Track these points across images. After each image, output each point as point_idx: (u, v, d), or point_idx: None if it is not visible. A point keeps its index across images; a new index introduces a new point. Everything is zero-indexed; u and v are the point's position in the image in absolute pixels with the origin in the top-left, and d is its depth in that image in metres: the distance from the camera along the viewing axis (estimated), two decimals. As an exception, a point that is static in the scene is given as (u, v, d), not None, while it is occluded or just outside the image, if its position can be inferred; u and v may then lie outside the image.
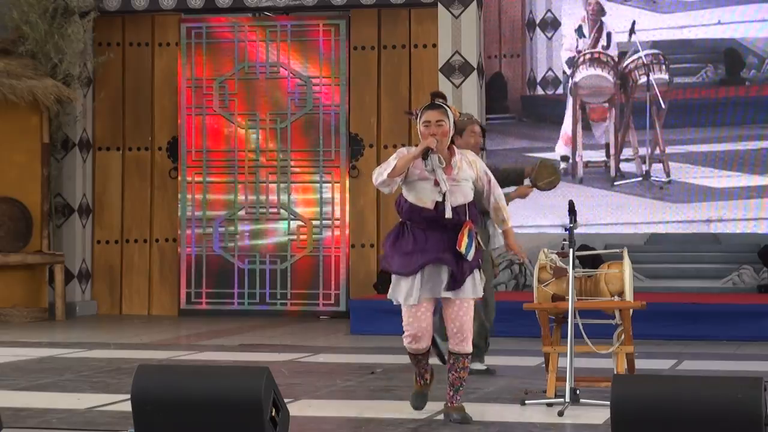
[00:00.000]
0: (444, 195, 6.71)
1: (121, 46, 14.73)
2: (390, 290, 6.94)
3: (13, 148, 13.76)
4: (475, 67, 13.55)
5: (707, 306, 11.83)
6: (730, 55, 13.63)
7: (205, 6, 14.25)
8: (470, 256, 6.75)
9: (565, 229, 7.37)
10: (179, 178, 14.51)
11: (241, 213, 14.40)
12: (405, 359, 9.90)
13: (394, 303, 6.98)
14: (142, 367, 5.15)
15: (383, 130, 14.13)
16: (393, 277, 6.90)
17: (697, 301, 12.08)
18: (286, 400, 5.65)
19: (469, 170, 6.86)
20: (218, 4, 14.23)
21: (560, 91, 14.24)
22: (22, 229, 13.75)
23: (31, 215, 13.76)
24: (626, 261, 7.63)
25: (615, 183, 14.02)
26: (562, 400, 7.17)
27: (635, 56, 14.07)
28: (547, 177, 9.15)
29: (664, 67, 14.08)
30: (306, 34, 14.35)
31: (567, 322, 7.31)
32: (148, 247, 14.63)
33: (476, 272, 6.86)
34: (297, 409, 7.16)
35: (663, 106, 13.93)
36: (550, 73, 14.21)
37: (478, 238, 6.85)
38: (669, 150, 13.94)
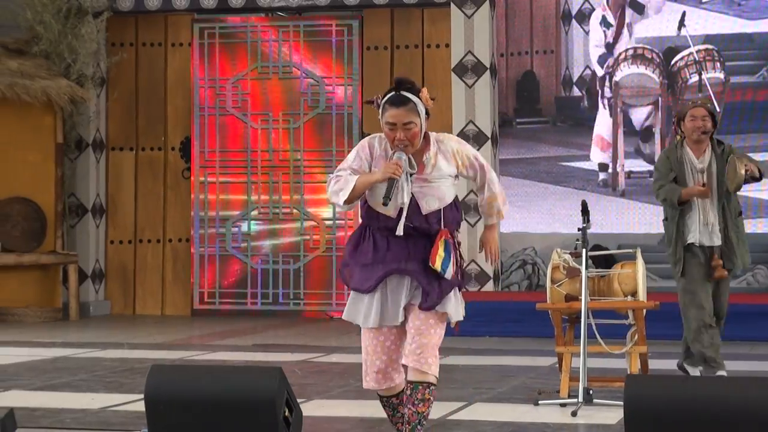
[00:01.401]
0: (408, 203, 5.33)
1: (134, 46, 14.75)
2: (346, 309, 5.51)
3: (27, 148, 13.79)
4: (488, 66, 13.54)
5: (721, 306, 11.76)
6: None
7: (218, 6, 14.26)
8: (448, 274, 5.39)
9: (578, 229, 7.35)
10: (192, 178, 14.53)
11: (254, 213, 14.41)
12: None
13: (354, 324, 5.55)
14: (156, 367, 5.15)
15: (396, 130, 14.12)
16: (351, 293, 5.50)
17: (710, 301, 12.01)
18: (299, 400, 5.65)
19: (447, 165, 5.41)
20: (231, 4, 14.25)
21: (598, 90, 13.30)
22: (36, 229, 13.78)
23: (45, 215, 13.80)
24: (639, 261, 7.61)
25: None
26: (575, 400, 7.16)
27: (685, 52, 12.90)
28: (734, 179, 7.98)
29: (718, 64, 12.83)
30: (319, 34, 14.36)
31: (580, 322, 7.30)
32: (161, 247, 14.65)
33: (456, 291, 5.50)
34: (310, 409, 7.16)
35: (718, 108, 12.67)
36: (587, 71, 13.34)
37: (460, 250, 5.58)
38: None
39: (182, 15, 14.64)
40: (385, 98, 5.32)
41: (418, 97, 5.33)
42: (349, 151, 15.12)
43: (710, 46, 12.97)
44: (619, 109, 13.25)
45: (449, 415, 7.16)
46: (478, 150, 13.45)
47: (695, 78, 12.93)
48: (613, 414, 6.96)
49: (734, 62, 12.72)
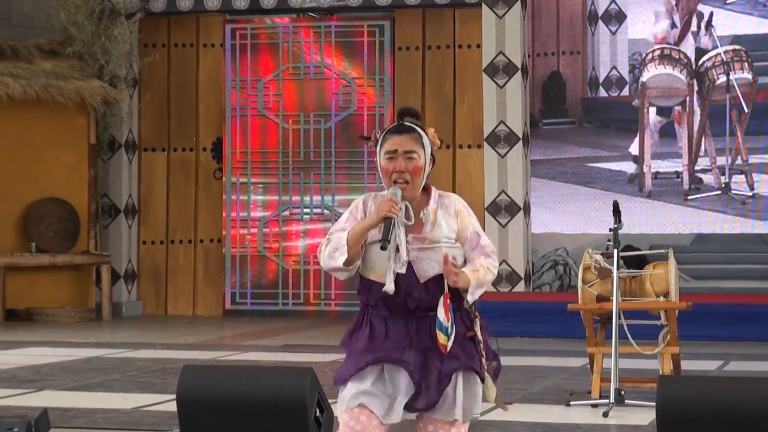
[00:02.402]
0: (406, 266, 4.31)
1: (166, 47, 14.81)
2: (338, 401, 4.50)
3: (60, 149, 13.87)
4: (520, 67, 13.51)
5: (754, 307, 11.72)
6: None
7: (250, 7, 14.30)
8: (450, 343, 4.29)
9: (610, 230, 7.33)
10: (224, 178, 14.57)
11: (285, 213, 14.44)
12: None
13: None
14: (187, 367, 5.17)
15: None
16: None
17: (743, 302, 11.97)
18: (330, 401, 5.65)
19: (449, 224, 4.33)
20: (263, 5, 14.28)
21: (626, 92, 13.16)
22: (69, 229, 13.85)
23: (78, 216, 13.86)
24: (671, 261, 7.58)
25: (689, 197, 12.77)
26: (607, 401, 7.14)
27: (713, 52, 12.81)
28: None
29: (746, 64, 12.73)
30: (350, 35, 14.37)
31: (612, 323, 7.28)
32: (193, 247, 14.70)
33: (472, 379, 4.39)
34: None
35: (746, 109, 12.67)
36: (614, 72, 13.26)
37: (478, 318, 4.45)
38: (752, 159, 12.60)
39: (214, 16, 14.68)
40: (386, 130, 4.40)
41: (425, 131, 4.39)
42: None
43: (738, 47, 12.85)
44: (646, 110, 13.17)
45: (481, 415, 7.15)
46: (509, 150, 13.58)
47: (723, 78, 12.84)
48: (644, 415, 6.93)
49: (763, 63, 12.64)
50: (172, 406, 5.64)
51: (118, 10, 14.27)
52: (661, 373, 7.48)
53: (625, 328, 7.35)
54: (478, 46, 13.78)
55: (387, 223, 4.26)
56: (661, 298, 7.54)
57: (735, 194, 12.79)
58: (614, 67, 13.40)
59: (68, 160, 13.92)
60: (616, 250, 7.28)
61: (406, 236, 4.31)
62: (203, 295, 14.65)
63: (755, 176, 12.76)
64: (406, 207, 4.31)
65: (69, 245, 13.84)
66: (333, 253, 4.37)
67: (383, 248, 4.23)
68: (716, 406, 4.90)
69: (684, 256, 12.05)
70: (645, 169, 13.15)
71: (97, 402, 7.63)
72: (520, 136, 13.53)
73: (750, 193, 12.76)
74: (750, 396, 5.00)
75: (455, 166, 13.99)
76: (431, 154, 4.40)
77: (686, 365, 8.16)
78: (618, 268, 7.31)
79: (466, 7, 13.88)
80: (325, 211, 14.35)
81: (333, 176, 14.32)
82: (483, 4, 13.62)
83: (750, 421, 4.91)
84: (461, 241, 4.34)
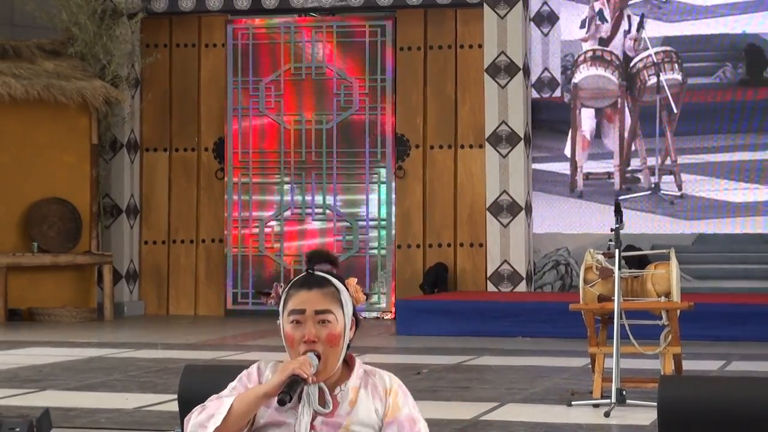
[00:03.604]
0: None
1: (168, 47, 14.82)
2: None
3: (62, 149, 13.88)
4: (521, 67, 13.52)
5: (756, 307, 11.73)
6: (751, 52, 12.42)
7: (252, 7, 14.30)
8: None
9: (611, 230, 7.33)
10: (225, 178, 14.58)
11: (287, 214, 14.45)
12: (451, 360, 9.93)
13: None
14: (189, 367, 5.17)
15: (429, 131, 14.12)
16: None
17: (745, 302, 11.98)
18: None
19: (372, 410, 3.27)
20: (264, 5, 14.29)
21: (557, 93, 13.37)
22: (71, 229, 13.86)
23: (80, 216, 13.87)
24: (673, 261, 7.58)
25: (620, 197, 12.67)
26: (608, 401, 7.15)
27: (644, 54, 13.01)
28: None
29: (676, 66, 12.91)
30: (352, 35, 14.37)
31: (613, 323, 7.28)
32: (195, 247, 14.71)
33: None
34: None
35: (675, 110, 12.87)
36: (546, 73, 13.48)
37: None
38: (681, 160, 12.84)
39: (216, 16, 14.69)
40: (291, 283, 3.30)
41: (344, 284, 3.31)
42: (382, 152, 15.20)
43: (669, 48, 13.00)
44: (578, 111, 13.32)
45: (482, 415, 7.16)
46: (510, 150, 13.58)
47: (653, 80, 12.97)
48: (646, 415, 6.93)
49: (692, 63, 12.79)
50: (174, 406, 5.65)
51: (120, 10, 14.28)
52: (662, 373, 7.47)
53: (627, 328, 7.36)
54: (480, 46, 13.79)
55: (292, 381, 3.14)
56: (663, 298, 7.54)
57: (664, 194, 12.94)
58: (546, 69, 13.53)
59: (70, 160, 13.93)
60: (617, 250, 7.28)
61: (313, 419, 3.20)
62: (205, 295, 14.65)
63: (684, 177, 12.90)
64: (320, 388, 3.22)
65: (71, 245, 13.85)
66: (205, 422, 3.19)
67: (281, 402, 3.12)
68: (718, 406, 4.90)
69: (685, 256, 12.07)
70: (577, 170, 13.35)
71: (98, 402, 7.64)
72: (522, 136, 13.54)
73: (678, 194, 12.90)
74: (752, 396, 5.00)
75: (457, 166, 13.99)
76: (353, 314, 3.28)
77: (688, 365, 8.16)
78: (620, 268, 7.31)
79: (467, 7, 13.88)
80: (327, 211, 14.35)
81: (334, 176, 14.32)
82: (484, 4, 13.62)
83: (752, 421, 4.92)
84: (390, 423, 3.24)
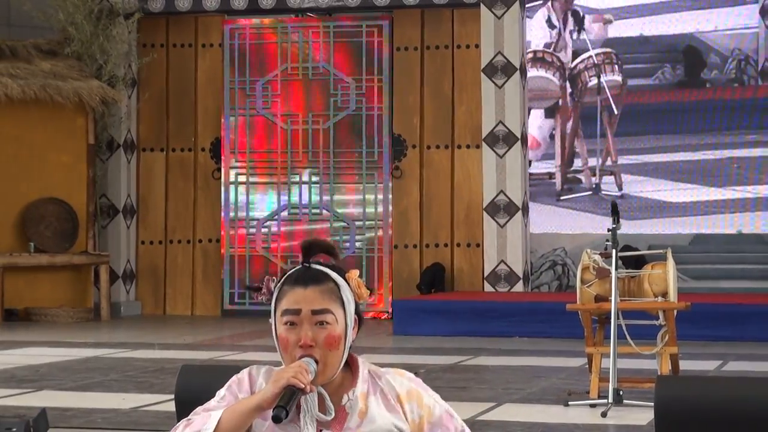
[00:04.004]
0: None
1: (164, 47, 14.81)
2: None
3: (59, 149, 13.87)
4: (518, 67, 13.52)
5: (753, 307, 11.73)
6: (689, 54, 12.48)
7: (248, 7, 14.30)
8: None
9: (608, 230, 7.33)
10: (222, 178, 14.57)
11: (284, 214, 14.44)
12: (448, 360, 9.92)
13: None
14: (186, 367, 5.17)
15: (426, 131, 14.12)
16: None
17: (742, 302, 11.99)
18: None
19: (387, 415, 2.91)
20: (261, 5, 14.28)
21: None
22: (68, 229, 13.85)
23: (77, 216, 13.87)
24: (670, 261, 7.58)
25: (561, 197, 13.13)
26: (605, 401, 7.15)
27: (585, 55, 13.20)
28: None
29: (617, 67, 13.06)
30: (349, 35, 14.37)
31: (610, 323, 7.28)
32: (192, 247, 14.70)
33: None
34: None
35: (616, 111, 12.99)
36: None
37: None
38: (622, 161, 13.02)
39: (212, 16, 14.68)
40: (284, 277, 2.97)
41: (344, 278, 2.96)
42: (379, 152, 15.17)
43: (609, 50, 13.14)
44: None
45: (479, 415, 7.16)
46: (507, 150, 13.59)
47: (594, 81, 13.13)
48: (643, 415, 6.93)
49: (632, 65, 12.92)
50: (171, 406, 5.64)
51: (116, 10, 14.28)
52: (659, 373, 7.48)
53: (624, 328, 7.36)
54: (477, 46, 13.79)
55: (288, 392, 2.80)
56: (660, 298, 7.54)
57: (605, 195, 13.05)
58: None
59: (67, 160, 13.92)
60: (614, 250, 7.28)
61: (318, 430, 2.88)
62: (202, 295, 14.65)
63: (624, 177, 13.03)
64: (319, 393, 2.88)
65: (67, 245, 13.84)
66: None
67: (276, 419, 2.77)
68: (715, 406, 4.90)
69: (683, 256, 12.09)
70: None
71: (95, 402, 7.63)
72: (519, 136, 13.54)
73: (619, 194, 13.01)
74: (748, 396, 5.00)
75: (454, 167, 13.99)
76: (355, 313, 2.95)
77: (685, 365, 8.16)
78: (616, 268, 7.31)
79: (464, 8, 13.88)
80: (324, 211, 14.35)
81: (331, 176, 14.32)
82: (481, 5, 13.62)
83: (748, 420, 4.92)
84: (418, 426, 2.90)
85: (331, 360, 2.88)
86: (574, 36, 13.19)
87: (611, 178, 13.09)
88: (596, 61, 13.08)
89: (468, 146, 13.93)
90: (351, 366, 2.96)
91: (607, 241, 7.35)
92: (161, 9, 14.54)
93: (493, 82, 13.57)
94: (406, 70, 14.15)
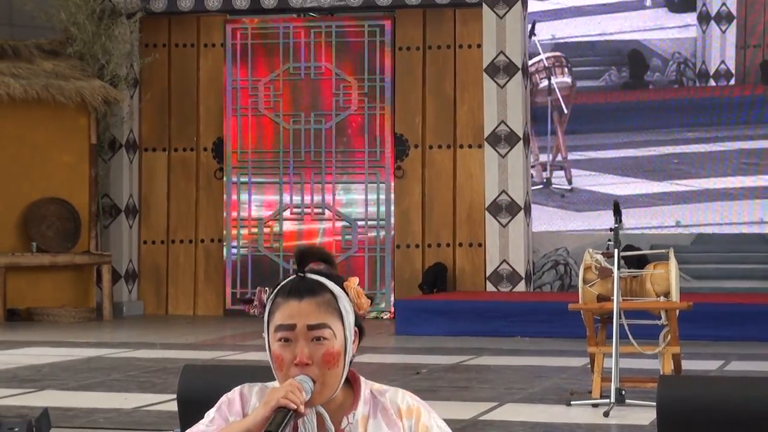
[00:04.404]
0: None
1: (167, 47, 14.81)
2: None
3: (61, 149, 13.87)
4: (520, 67, 13.52)
5: (755, 306, 11.73)
6: (634, 58, 13.00)
7: (251, 7, 14.30)
8: None
9: (610, 230, 7.33)
10: (224, 178, 14.58)
11: (286, 213, 14.44)
12: (450, 360, 9.92)
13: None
14: (188, 367, 5.17)
15: (428, 131, 14.12)
16: None
17: (744, 302, 11.98)
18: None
19: None
20: (263, 5, 14.28)
21: None
22: (70, 229, 13.86)
23: (79, 216, 13.87)
24: (672, 261, 7.58)
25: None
26: (607, 400, 7.14)
27: (536, 58, 13.84)
28: None
29: (566, 69, 13.79)
30: (351, 35, 14.37)
31: (612, 323, 7.28)
32: (194, 247, 14.70)
33: None
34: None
35: (565, 111, 13.68)
36: None
37: None
38: (571, 157, 13.69)
39: (214, 16, 14.68)
40: (277, 288, 2.75)
41: (342, 287, 2.74)
42: (381, 152, 15.18)
43: (559, 53, 13.83)
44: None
45: (481, 415, 7.16)
46: (509, 150, 13.58)
47: (545, 82, 13.82)
48: (645, 415, 6.93)
49: (581, 68, 13.69)
50: (173, 406, 5.65)
51: (118, 10, 14.28)
52: (661, 373, 7.47)
53: (626, 327, 7.35)
54: (479, 46, 13.79)
55: (279, 414, 2.58)
56: (662, 298, 7.54)
57: (555, 188, 13.76)
58: None
59: (69, 160, 13.92)
60: (616, 250, 7.28)
61: None
62: (204, 295, 14.65)
63: (573, 172, 13.75)
64: (318, 413, 2.69)
65: (70, 245, 13.84)
66: None
67: None
68: (717, 406, 4.90)
69: (685, 256, 12.10)
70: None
71: (97, 402, 7.63)
72: (521, 135, 13.54)
73: (569, 188, 13.74)
74: (751, 396, 5.00)
75: (456, 166, 13.99)
76: (355, 324, 2.73)
77: (687, 365, 8.16)
78: (619, 268, 7.31)
79: (466, 7, 13.88)
80: (326, 211, 14.35)
81: (333, 176, 14.32)
82: (483, 4, 13.62)
83: (751, 420, 4.91)
84: None
85: (329, 379, 2.66)
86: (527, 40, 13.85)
87: (561, 173, 13.79)
88: (547, 65, 13.78)
89: (470, 146, 13.93)
90: (352, 383, 2.74)
91: (609, 240, 7.36)
92: (163, 9, 14.54)
93: (495, 81, 13.57)
94: (408, 69, 14.15)
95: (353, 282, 2.74)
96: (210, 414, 2.76)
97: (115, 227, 14.55)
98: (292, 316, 2.67)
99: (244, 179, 14.54)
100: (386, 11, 14.23)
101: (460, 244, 13.93)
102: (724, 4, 12.37)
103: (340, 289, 2.71)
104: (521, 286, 13.40)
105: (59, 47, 14.22)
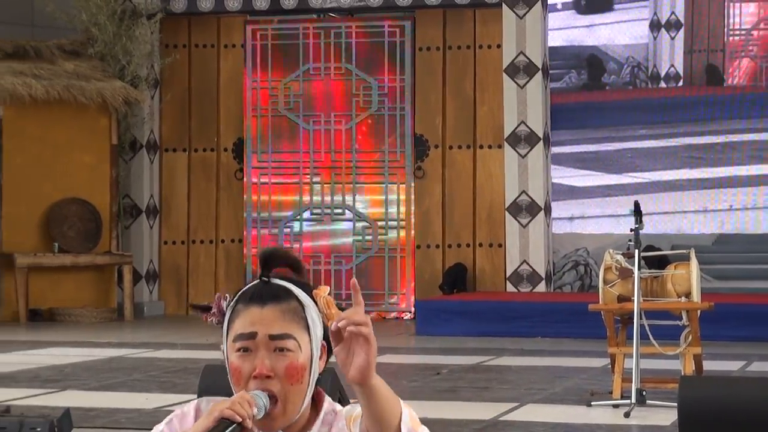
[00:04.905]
0: None
1: (187, 47, 14.84)
2: None
3: (82, 150, 13.92)
4: (540, 67, 13.50)
5: (776, 307, 11.68)
6: (592, 62, 13.92)
7: (271, 8, 14.32)
8: None
9: (630, 230, 7.32)
10: (244, 179, 14.60)
11: (306, 214, 14.46)
12: (470, 360, 9.92)
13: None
14: (209, 367, 5.18)
15: (448, 131, 14.12)
16: None
17: (766, 302, 11.94)
18: (352, 401, 5.66)
19: None
20: (283, 5, 14.30)
21: None
22: (91, 230, 13.90)
23: (100, 216, 13.91)
24: (693, 261, 7.56)
25: None
26: (628, 401, 7.13)
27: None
28: None
29: None
30: (371, 35, 14.38)
31: (633, 323, 7.27)
32: (214, 247, 14.73)
33: None
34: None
35: None
36: None
37: None
38: None
39: (235, 16, 14.71)
40: (238, 294, 2.54)
41: (311, 295, 2.49)
42: (401, 152, 15.19)
43: None
44: None
45: (501, 415, 7.15)
46: (529, 150, 13.57)
47: None
48: (666, 415, 6.92)
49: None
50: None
51: (139, 10, 14.32)
52: (682, 374, 7.46)
53: (647, 328, 7.34)
54: (499, 46, 13.78)
55: (221, 426, 2.37)
56: (683, 299, 7.52)
57: None
58: None
59: (90, 160, 13.97)
60: (637, 251, 7.27)
61: None
62: (224, 295, 14.65)
63: None
64: None
65: (91, 245, 13.89)
66: None
67: None
68: (738, 406, 4.88)
69: (706, 257, 12.06)
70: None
71: (119, 402, 7.66)
72: (541, 136, 13.52)
73: None
74: (772, 396, 4.98)
75: (476, 167, 13.99)
76: (323, 338, 2.47)
77: (708, 366, 8.13)
78: (639, 269, 7.30)
79: (486, 7, 13.87)
80: (347, 212, 14.36)
81: (353, 176, 14.33)
82: (503, 4, 13.61)
83: (772, 421, 4.90)
84: None
85: (292, 396, 2.40)
86: None
87: None
88: None
89: (490, 146, 13.92)
90: (316, 402, 2.49)
91: (630, 241, 7.34)
92: (183, 9, 14.58)
93: (515, 82, 13.55)
94: (428, 70, 14.15)
95: (323, 291, 2.47)
96: (159, 427, 2.52)
97: (136, 228, 14.59)
98: (253, 324, 2.43)
99: (264, 180, 14.56)
100: (406, 11, 14.24)
101: (480, 245, 13.92)
102: (673, 13, 13.50)
103: (309, 298, 2.46)
104: (541, 287, 13.38)
105: (80, 48, 14.27)
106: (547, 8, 13.76)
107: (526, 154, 13.55)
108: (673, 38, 13.53)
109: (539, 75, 13.50)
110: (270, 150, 14.55)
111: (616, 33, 13.94)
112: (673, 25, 13.57)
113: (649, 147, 13.57)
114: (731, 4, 13.39)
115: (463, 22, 14.10)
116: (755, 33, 13.25)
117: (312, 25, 14.60)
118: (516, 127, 13.57)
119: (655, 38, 13.60)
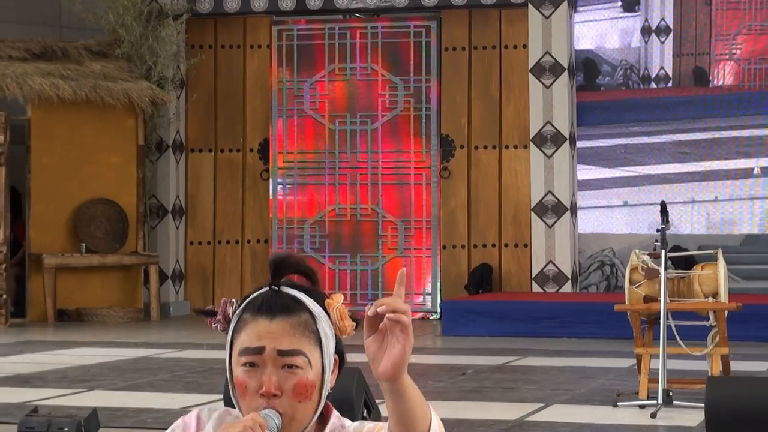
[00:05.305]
0: None
1: (213, 48, 14.88)
2: None
3: (109, 150, 13.98)
4: (566, 67, 13.48)
5: (804, 308, 11.61)
6: (587, 65, 14.43)
7: (296, 8, 14.34)
8: None
9: (657, 230, 7.29)
10: (270, 179, 14.63)
11: (332, 214, 14.47)
12: (496, 360, 9.91)
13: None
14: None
15: (474, 131, 14.11)
16: None
17: (793, 303, 11.87)
18: (377, 401, 5.66)
19: None
20: (309, 5, 14.32)
21: None
22: (118, 230, 13.96)
23: (127, 217, 13.96)
24: (721, 262, 7.53)
25: None
26: (654, 401, 7.11)
27: None
28: None
29: None
30: (396, 36, 14.38)
31: (659, 324, 7.24)
32: (240, 248, 14.76)
33: None
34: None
35: None
36: None
37: None
38: None
39: (260, 17, 14.74)
40: (246, 301, 2.41)
41: (323, 306, 2.37)
42: (427, 153, 15.18)
43: None
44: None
45: (527, 416, 7.15)
46: (555, 150, 13.55)
47: None
48: (693, 416, 6.89)
49: None
50: (219, 407, 5.67)
51: (165, 11, 14.36)
52: (710, 374, 7.43)
53: (673, 328, 7.31)
54: (524, 46, 13.76)
55: None
56: (710, 299, 7.49)
57: None
58: None
59: (117, 161, 14.02)
60: (663, 251, 7.24)
61: None
62: (250, 296, 14.68)
63: None
64: None
65: (118, 246, 13.94)
66: None
67: None
68: (766, 407, 4.86)
69: (733, 257, 12.02)
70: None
71: (145, 402, 7.69)
72: (567, 136, 13.50)
73: None
74: (800, 397, 4.95)
75: (501, 167, 13.97)
76: (336, 351, 2.38)
77: (735, 366, 8.10)
78: (666, 269, 7.27)
79: (512, 8, 13.85)
80: (372, 211, 14.36)
81: (380, 177, 14.33)
82: (529, 5, 13.59)
83: (800, 422, 4.87)
84: None
85: (300, 414, 2.28)
86: None
87: None
88: None
89: (516, 146, 13.90)
90: (325, 417, 2.35)
91: (656, 241, 7.32)
92: (209, 10, 14.62)
93: (541, 82, 13.53)
94: (453, 70, 14.14)
95: (337, 300, 2.34)
96: None
97: (162, 228, 14.63)
98: (261, 338, 2.28)
99: (290, 180, 14.58)
100: (432, 12, 14.23)
101: (506, 245, 13.91)
102: (663, 19, 14.32)
103: (321, 309, 2.32)
104: (567, 287, 13.35)
105: (107, 48, 14.33)
106: (573, 8, 13.74)
107: (552, 155, 13.52)
108: (662, 43, 14.39)
109: (565, 75, 13.47)
110: (296, 150, 14.57)
111: (610, 39, 14.75)
112: (662, 31, 14.37)
113: (641, 143, 14.38)
114: (717, 12, 14.23)
115: (488, 22, 14.09)
116: (739, 38, 14.18)
117: (338, 26, 14.61)
118: (542, 128, 13.54)
119: (646, 43, 14.43)
